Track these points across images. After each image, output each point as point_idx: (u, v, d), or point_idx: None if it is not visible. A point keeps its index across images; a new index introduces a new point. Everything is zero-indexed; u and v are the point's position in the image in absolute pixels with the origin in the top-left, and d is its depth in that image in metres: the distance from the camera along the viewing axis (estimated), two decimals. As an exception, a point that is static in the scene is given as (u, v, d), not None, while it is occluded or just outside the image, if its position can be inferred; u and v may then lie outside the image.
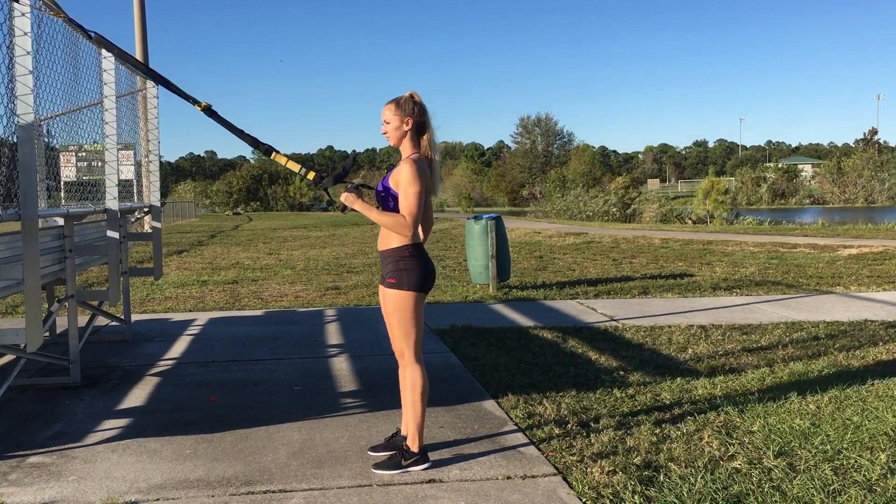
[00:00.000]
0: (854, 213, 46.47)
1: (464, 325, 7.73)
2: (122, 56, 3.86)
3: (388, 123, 3.82)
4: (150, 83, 7.02)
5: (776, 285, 11.03)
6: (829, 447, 4.02)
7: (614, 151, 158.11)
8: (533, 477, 3.70)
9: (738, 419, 4.56)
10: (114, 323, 7.72)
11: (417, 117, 3.80)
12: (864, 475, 3.62)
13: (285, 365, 6.21)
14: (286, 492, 3.57)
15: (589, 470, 3.72)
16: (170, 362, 6.34)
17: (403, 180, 3.70)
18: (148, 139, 7.05)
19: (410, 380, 3.81)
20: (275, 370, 6.03)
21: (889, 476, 3.60)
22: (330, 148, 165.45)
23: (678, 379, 5.55)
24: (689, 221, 33.95)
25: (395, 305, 3.79)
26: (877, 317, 8.11)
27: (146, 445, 4.25)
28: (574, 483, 3.59)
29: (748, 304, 9.25)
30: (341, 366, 6.16)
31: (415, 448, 3.81)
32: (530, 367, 6.02)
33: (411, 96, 3.84)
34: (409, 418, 3.84)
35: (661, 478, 3.63)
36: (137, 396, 5.30)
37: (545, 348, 6.76)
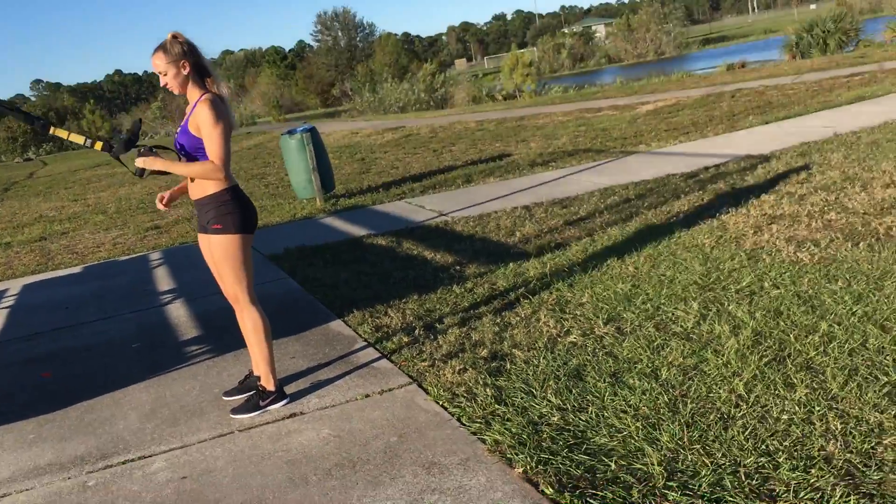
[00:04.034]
0: (647, 67, 49.18)
1: (297, 246, 7.66)
2: None
3: (165, 74, 3.62)
4: None
5: (586, 153, 11.64)
6: (649, 305, 4.42)
7: (418, 36, 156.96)
8: (390, 390, 3.84)
9: (568, 294, 4.89)
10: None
11: (192, 58, 3.63)
12: (682, 326, 4.03)
13: (118, 323, 5.95)
14: (146, 457, 3.51)
15: (441, 373, 3.90)
16: (-11, 343, 5.90)
17: (206, 123, 3.58)
18: None
19: (251, 322, 3.79)
20: (107, 331, 5.77)
21: (702, 322, 4.03)
22: (118, 72, 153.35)
23: (510, 264, 5.83)
24: (500, 98, 34.69)
25: (224, 251, 3.71)
26: (677, 170, 8.79)
27: (-17, 440, 4.00)
28: (429, 388, 3.76)
29: (563, 176, 9.73)
30: (178, 313, 5.98)
31: (270, 386, 3.83)
32: (370, 278, 6.11)
33: (175, 38, 3.63)
34: (257, 359, 3.84)
35: (508, 366, 3.88)
36: (-40, 388, 4.93)
37: (381, 256, 6.86)
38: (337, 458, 3.21)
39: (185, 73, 3.63)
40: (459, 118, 23.48)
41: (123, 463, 3.49)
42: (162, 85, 3.70)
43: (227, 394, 4.07)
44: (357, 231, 8.16)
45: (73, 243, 10.73)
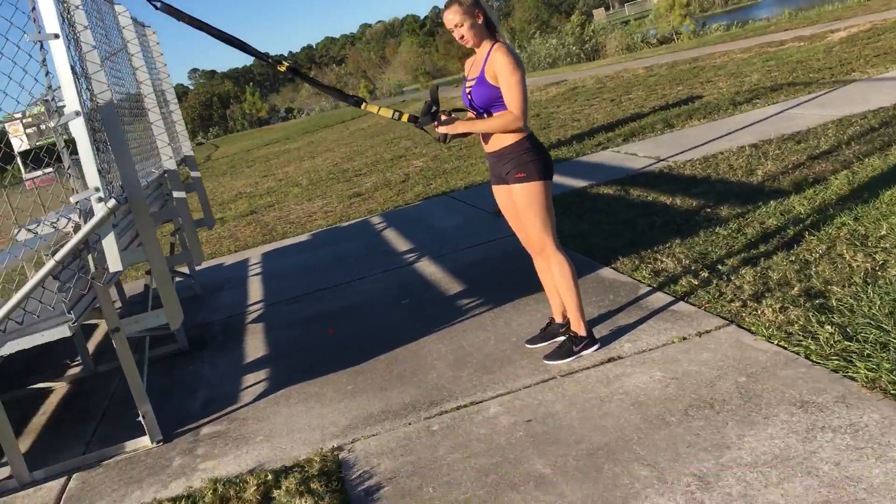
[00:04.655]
0: (810, -5, 45.69)
1: (521, 200, 7.63)
2: (194, 23, 3.57)
3: (460, 27, 3.64)
4: (149, 31, 6.61)
5: (792, 87, 10.94)
6: (971, 234, 4.07)
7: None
8: (707, 332, 3.73)
9: (860, 227, 4.58)
10: (178, 279, 7.60)
11: (482, 7, 3.64)
12: None
13: (374, 282, 6.16)
14: (477, 403, 3.59)
15: (759, 312, 3.75)
16: (258, 306, 6.28)
17: (504, 70, 3.57)
18: (163, 88, 6.70)
19: (558, 268, 3.78)
20: (368, 290, 5.99)
21: None
22: (266, 54, 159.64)
23: (770, 202, 5.54)
24: (656, 43, 33.38)
25: (529, 199, 3.70)
26: (916, 95, 8.09)
27: (304, 391, 4.25)
28: (753, 328, 3.62)
29: (780, 112, 9.19)
30: (430, 270, 6.12)
31: (582, 332, 3.81)
32: (614, 226, 6.00)
33: None
34: (567, 305, 3.83)
35: (833, 302, 3.67)
36: (254, 347, 5.26)
37: (613, 205, 6.73)
38: (688, 399, 3.15)
39: (479, 22, 3.63)
40: (623, 67, 22.78)
41: (457, 409, 3.58)
42: (458, 38, 3.72)
43: (531, 342, 4.10)
44: (574, 182, 8.05)
45: (284, 214, 11.29)
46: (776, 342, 3.43)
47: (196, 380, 4.88)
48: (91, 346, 6.21)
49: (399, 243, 7.35)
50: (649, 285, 4.54)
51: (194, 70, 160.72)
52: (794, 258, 4.36)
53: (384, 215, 9.08)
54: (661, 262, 4.87)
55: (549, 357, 3.83)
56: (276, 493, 3.16)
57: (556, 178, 8.55)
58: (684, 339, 3.72)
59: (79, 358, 5.85)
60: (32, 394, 5.34)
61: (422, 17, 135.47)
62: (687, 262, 4.76)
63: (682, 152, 8.22)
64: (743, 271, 4.33)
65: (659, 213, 6.06)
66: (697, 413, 3.02)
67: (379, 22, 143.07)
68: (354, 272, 6.63)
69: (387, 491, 3.03)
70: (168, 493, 3.43)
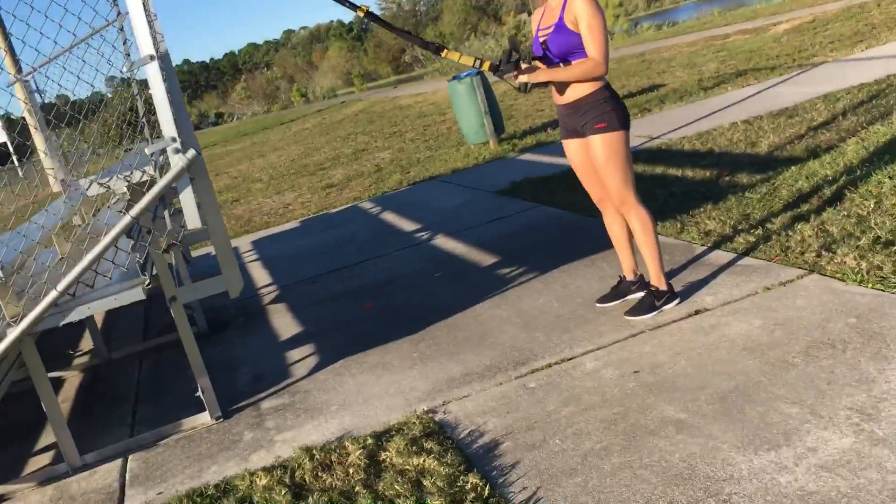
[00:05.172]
0: (732, -2, 47.20)
1: (522, 179, 7.56)
2: None
3: None
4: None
5: (758, 71, 11.17)
6: None
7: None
8: (791, 281, 3.70)
9: (900, 184, 4.65)
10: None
11: None
12: None
13: (396, 259, 5.97)
14: (568, 360, 3.47)
15: (840, 261, 3.73)
16: (273, 288, 6.02)
17: (586, 14, 3.48)
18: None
19: (639, 222, 3.70)
20: (393, 266, 5.80)
21: None
22: (187, 61, 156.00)
23: (791, 168, 5.59)
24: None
25: (610, 150, 3.62)
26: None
27: (363, 361, 4.05)
28: (839, 276, 3.60)
29: (758, 92, 9.36)
30: (452, 245, 5.97)
31: (663, 286, 3.74)
32: (633, 197, 5.95)
33: None
34: (647, 260, 3.75)
35: (911, 248, 3.69)
36: (286, 325, 5.02)
37: (623, 178, 6.69)
38: (803, 342, 3.10)
39: None
40: (569, 62, 23.04)
41: (548, 366, 3.46)
42: None
43: (601, 301, 4.00)
44: (566, 162, 8.00)
45: (255, 207, 10.94)
46: (870, 286, 3.42)
47: (230, 359, 4.63)
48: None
49: (406, 224, 7.17)
50: (703, 245, 4.50)
51: (111, 77, 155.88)
52: (846, 213, 4.38)
53: (375, 200, 8.87)
54: (705, 224, 4.84)
55: (631, 313, 3.75)
56: (383, 455, 2.97)
57: (548, 160, 8.54)
58: (768, 289, 3.68)
59: (81, 346, 5.51)
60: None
61: (347, 23, 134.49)
62: (732, 222, 4.74)
63: (672, 130, 8.29)
64: (798, 227, 4.33)
65: (674, 184, 6.06)
66: (820, 353, 2.97)
67: (303, 28, 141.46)
68: (370, 251, 6.42)
69: (508, 446, 2.88)
70: (252, 464, 3.20)
